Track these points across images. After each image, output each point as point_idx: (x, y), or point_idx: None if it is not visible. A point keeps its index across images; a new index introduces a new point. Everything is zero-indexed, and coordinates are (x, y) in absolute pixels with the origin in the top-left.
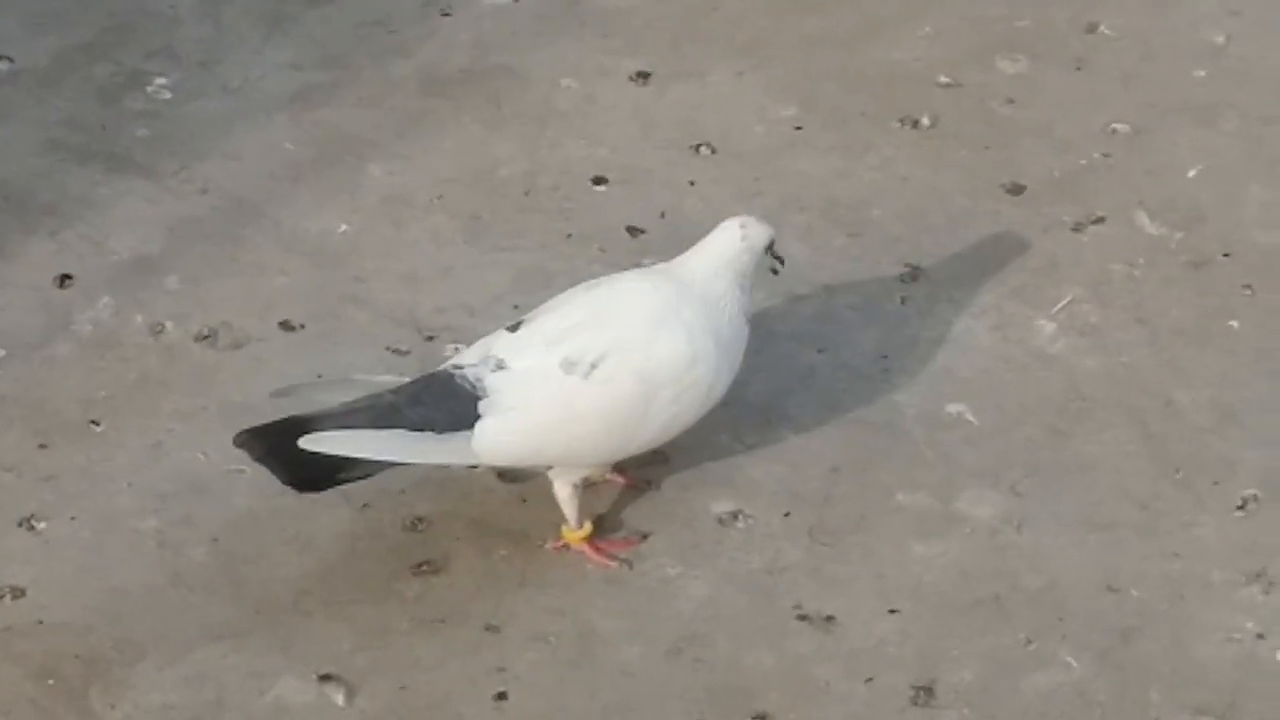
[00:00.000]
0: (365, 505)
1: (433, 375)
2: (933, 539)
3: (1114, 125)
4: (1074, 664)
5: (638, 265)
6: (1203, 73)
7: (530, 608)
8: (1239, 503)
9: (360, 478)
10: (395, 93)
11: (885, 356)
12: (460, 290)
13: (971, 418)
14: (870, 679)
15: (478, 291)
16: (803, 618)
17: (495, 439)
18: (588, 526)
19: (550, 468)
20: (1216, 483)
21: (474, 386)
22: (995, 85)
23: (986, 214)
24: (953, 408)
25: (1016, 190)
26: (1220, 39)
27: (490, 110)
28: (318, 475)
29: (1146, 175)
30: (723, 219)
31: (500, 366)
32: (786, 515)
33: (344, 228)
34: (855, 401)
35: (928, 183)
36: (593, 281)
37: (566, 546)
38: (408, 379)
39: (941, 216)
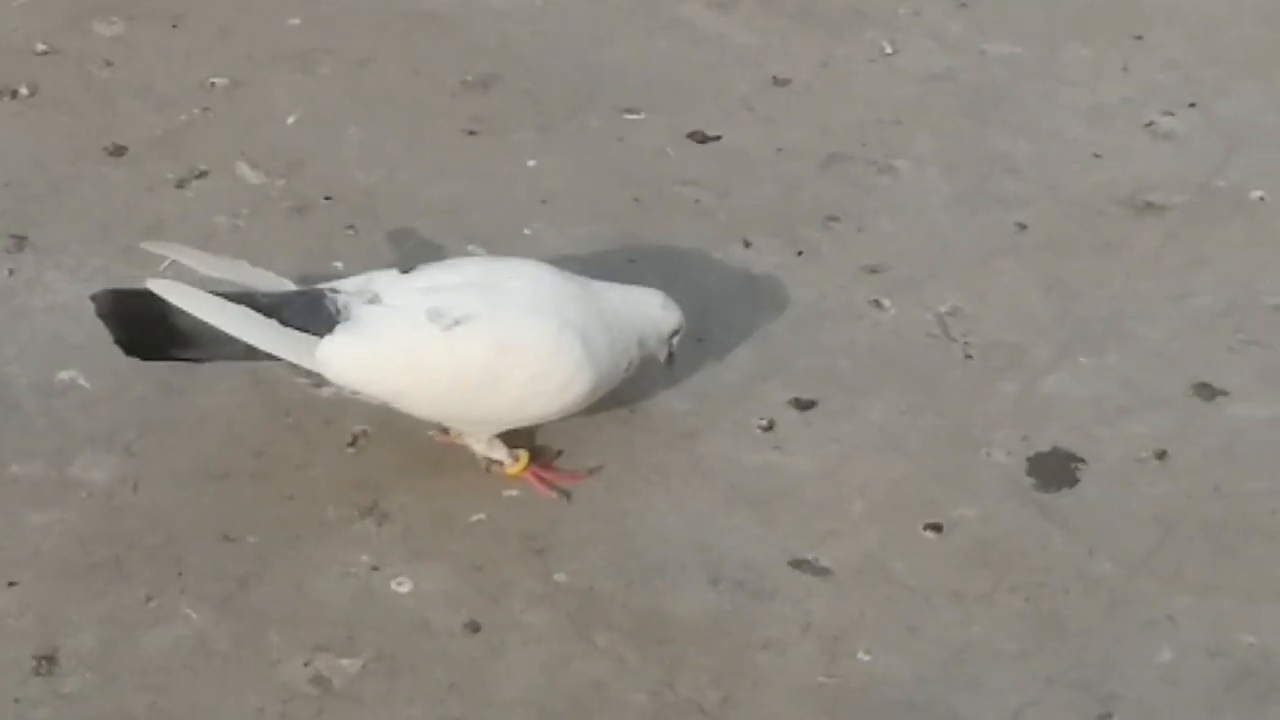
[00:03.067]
0: None
1: (307, 290)
2: (49, 507)
3: (213, 79)
4: (194, 615)
5: None
6: (297, 21)
7: None
8: (350, 440)
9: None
10: None
11: None
12: None
13: (84, 382)
14: None
15: None
16: None
17: (340, 355)
18: (524, 458)
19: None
20: (328, 422)
21: (339, 312)
22: (93, 48)
23: (90, 178)
24: (64, 374)
25: (119, 152)
26: None
27: None
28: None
29: (246, 126)
30: None
31: (374, 300)
32: None
33: None
34: None
35: (29, 151)
36: (511, 257)
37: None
38: (292, 287)
39: (45, 185)
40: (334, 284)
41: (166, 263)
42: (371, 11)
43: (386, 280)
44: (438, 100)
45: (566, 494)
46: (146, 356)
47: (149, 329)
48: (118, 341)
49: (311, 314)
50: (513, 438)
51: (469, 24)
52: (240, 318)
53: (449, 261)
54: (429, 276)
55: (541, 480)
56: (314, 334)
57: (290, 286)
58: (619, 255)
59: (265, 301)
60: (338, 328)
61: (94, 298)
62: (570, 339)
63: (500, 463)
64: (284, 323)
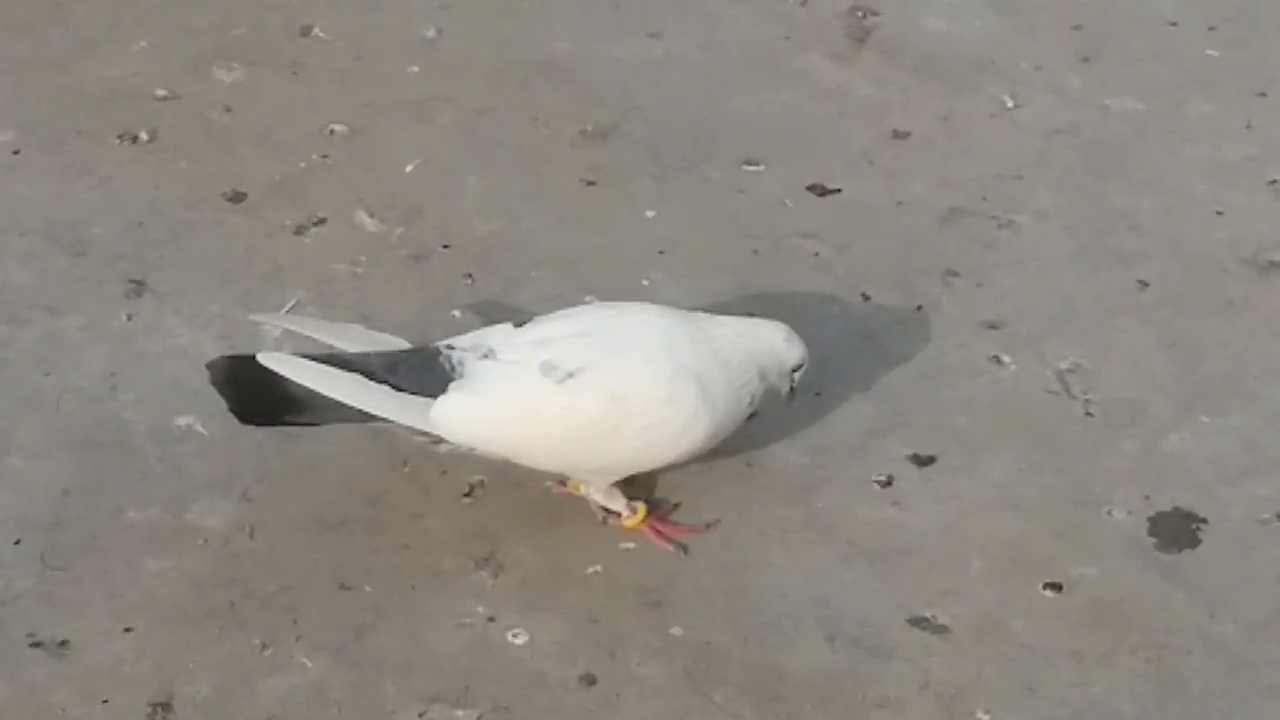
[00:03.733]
0: None
1: (422, 348)
2: (165, 553)
3: (332, 126)
4: (309, 664)
5: None
6: (416, 68)
7: None
8: (466, 490)
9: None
10: None
11: (113, 374)
12: None
13: (201, 429)
14: (107, 700)
15: None
16: (36, 645)
17: (454, 413)
18: (641, 511)
19: (507, 460)
20: (444, 472)
21: (453, 368)
22: (213, 94)
23: (209, 224)
24: (182, 420)
25: (238, 198)
26: (431, 33)
27: None
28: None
29: (365, 173)
30: None
31: (489, 355)
32: (17, 543)
33: None
34: (83, 422)
35: (149, 197)
36: (618, 302)
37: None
38: (407, 345)
39: (164, 230)
40: (450, 341)
41: (288, 307)
42: (490, 60)
43: (501, 334)
44: (556, 149)
45: (684, 547)
46: (262, 423)
47: (263, 396)
48: (232, 410)
49: (426, 373)
50: (631, 489)
51: (588, 73)
52: (352, 385)
53: (563, 312)
54: (542, 328)
55: (658, 533)
56: (428, 394)
57: (405, 345)
58: (737, 307)
59: (379, 363)
60: (451, 386)
61: (209, 366)
62: (684, 385)
63: (618, 514)
64: (398, 383)
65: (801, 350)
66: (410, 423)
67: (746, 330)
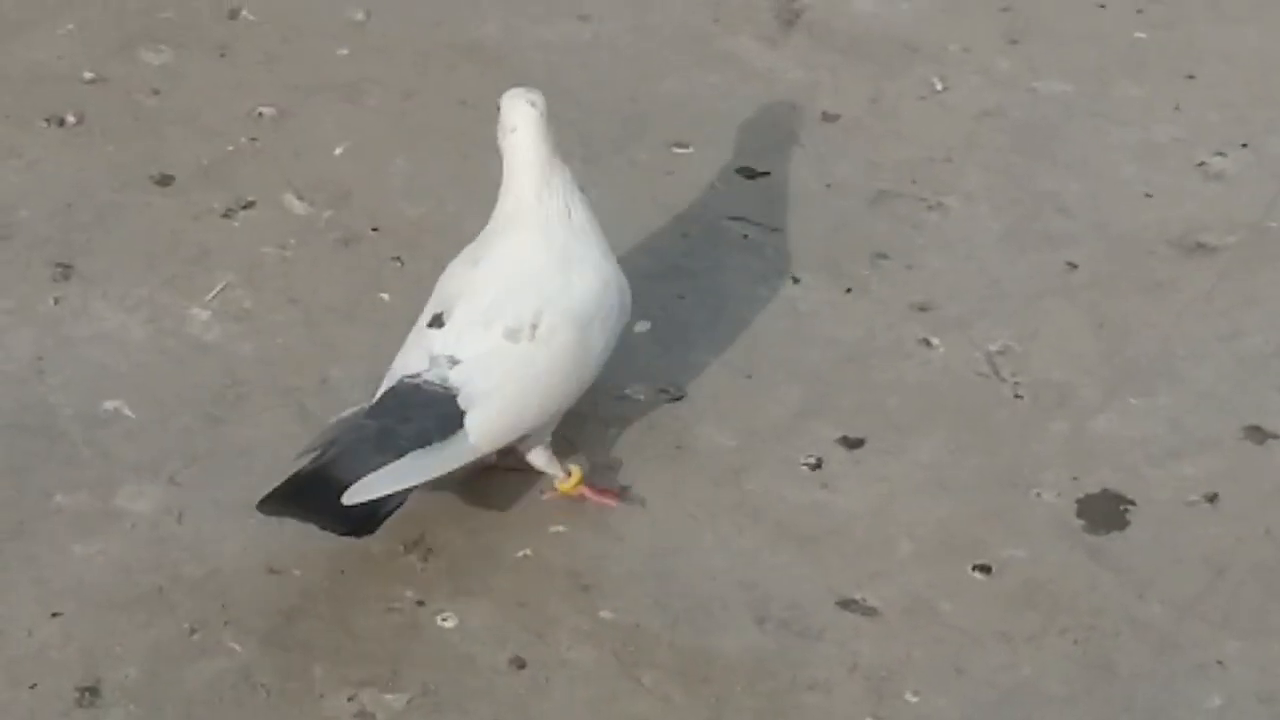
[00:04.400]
0: None
1: (394, 392)
2: (93, 537)
3: (260, 109)
4: (238, 649)
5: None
6: (345, 51)
7: None
8: None
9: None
10: None
11: (40, 358)
12: None
13: (129, 412)
14: (34, 685)
15: None
16: None
17: (486, 428)
18: (576, 473)
19: (527, 436)
20: None
21: (445, 388)
22: (140, 77)
23: (137, 207)
24: (109, 404)
25: (165, 181)
26: (360, 16)
27: None
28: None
29: (294, 156)
30: None
31: (455, 362)
32: None
33: None
34: (10, 406)
35: (76, 180)
36: (468, 257)
37: (565, 496)
38: (366, 405)
39: (91, 213)
40: (409, 372)
41: (216, 291)
42: (419, 42)
43: (440, 338)
44: (485, 132)
45: (621, 495)
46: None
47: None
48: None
49: (430, 405)
50: (564, 454)
51: (516, 56)
52: (421, 464)
53: (449, 291)
54: (465, 311)
55: (598, 491)
56: (454, 428)
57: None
58: (664, 289)
59: (392, 420)
60: (459, 405)
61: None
62: (610, 272)
63: (557, 476)
64: (423, 430)
65: (517, 108)
66: (466, 460)
67: (520, 158)
